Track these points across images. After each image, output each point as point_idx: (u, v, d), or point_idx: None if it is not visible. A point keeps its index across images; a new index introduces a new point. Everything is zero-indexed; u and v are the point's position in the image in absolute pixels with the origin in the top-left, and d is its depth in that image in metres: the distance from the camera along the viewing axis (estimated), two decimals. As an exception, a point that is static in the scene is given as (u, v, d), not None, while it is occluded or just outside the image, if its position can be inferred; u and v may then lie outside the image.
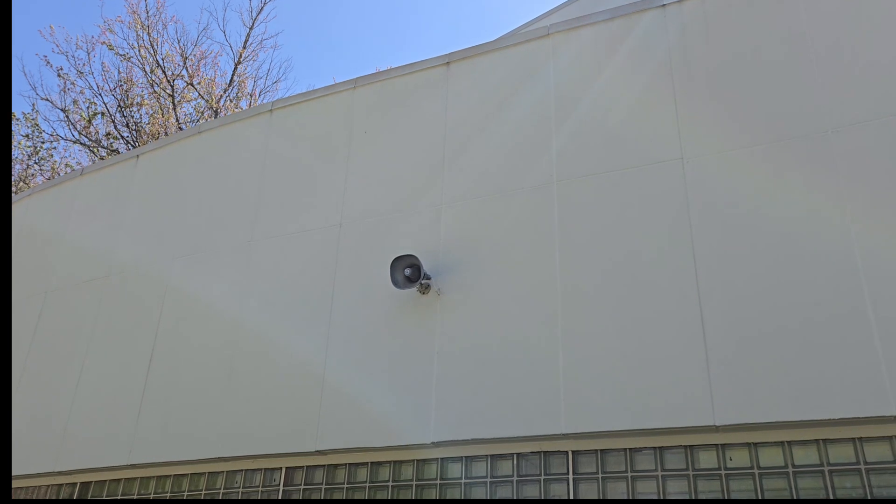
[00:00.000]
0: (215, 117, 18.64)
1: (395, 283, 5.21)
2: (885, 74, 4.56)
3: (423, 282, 5.25)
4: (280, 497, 5.53)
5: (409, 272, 5.25)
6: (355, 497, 5.25)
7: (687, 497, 4.26)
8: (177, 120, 19.16)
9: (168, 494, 6.08)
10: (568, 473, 4.62)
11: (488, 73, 6.05)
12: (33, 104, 22.28)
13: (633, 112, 5.27)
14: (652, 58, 5.36)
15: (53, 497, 6.75)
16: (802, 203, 4.45)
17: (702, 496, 4.23)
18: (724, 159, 4.80)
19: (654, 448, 4.46)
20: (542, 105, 5.61)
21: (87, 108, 19.12)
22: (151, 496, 6.16)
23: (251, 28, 20.02)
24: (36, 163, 19.29)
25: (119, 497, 6.33)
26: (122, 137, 19.08)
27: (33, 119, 19.23)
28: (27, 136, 19.14)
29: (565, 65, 5.70)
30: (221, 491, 5.83)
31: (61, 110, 19.06)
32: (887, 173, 4.30)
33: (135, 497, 6.25)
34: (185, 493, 5.99)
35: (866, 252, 4.16)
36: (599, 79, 5.49)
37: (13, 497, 6.99)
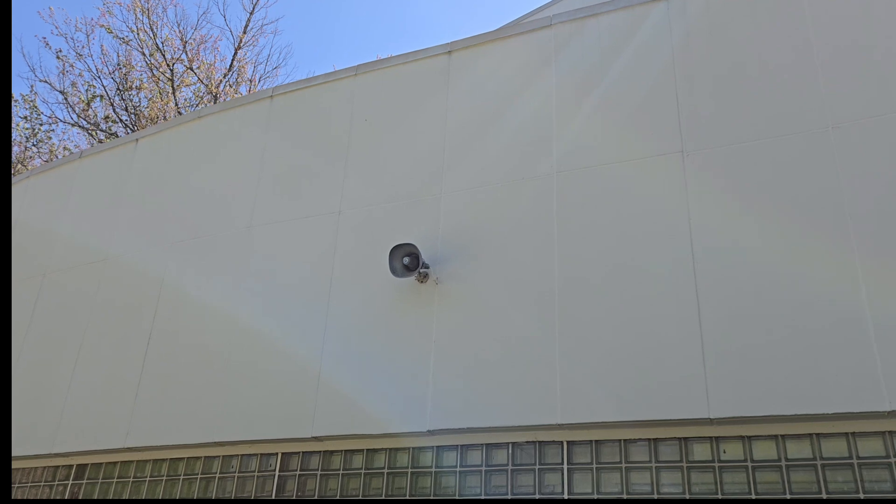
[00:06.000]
0: (215, 102, 18.58)
1: (393, 271, 5.21)
2: (886, 71, 4.56)
3: (421, 270, 5.26)
4: (275, 482, 5.55)
5: (407, 261, 5.25)
6: (350, 484, 5.28)
7: (680, 489, 4.29)
8: (176, 104, 19.10)
9: (164, 477, 6.10)
10: (563, 463, 4.65)
11: (490, 62, 6.04)
12: (32, 86, 22.24)
13: (633, 105, 5.26)
14: (654, 50, 5.35)
15: (49, 478, 6.78)
16: (801, 199, 4.46)
17: (695, 488, 4.26)
18: (724, 153, 4.81)
19: (649, 440, 4.49)
20: (544, 95, 5.61)
21: (86, 90, 19.07)
22: (147, 479, 6.19)
23: (251, 13, 19.97)
24: (34, 145, 19.25)
25: (115, 479, 6.35)
26: (121, 121, 19.03)
27: (32, 101, 19.18)
28: (25, 117, 19.10)
29: (567, 56, 5.69)
30: (217, 475, 5.85)
31: (60, 92, 19.02)
32: (887, 170, 4.31)
33: (131, 479, 6.27)
34: (182, 477, 6.02)
35: (864, 247, 4.18)
36: (600, 70, 5.48)
37: (13, 484, 7.01)
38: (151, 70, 19.29)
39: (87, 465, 6.59)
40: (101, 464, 6.51)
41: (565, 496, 4.55)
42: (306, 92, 6.89)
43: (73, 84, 19.06)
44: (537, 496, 4.63)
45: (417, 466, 5.09)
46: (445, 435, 4.96)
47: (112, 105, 19.10)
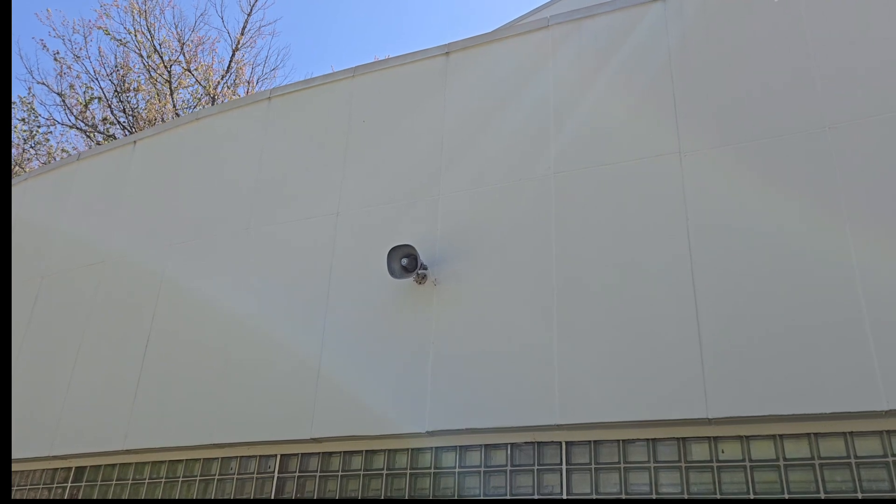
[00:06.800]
0: (212, 104, 18.58)
1: (391, 272, 5.22)
2: (883, 72, 4.57)
3: (419, 272, 5.26)
4: (274, 483, 5.56)
5: (405, 262, 5.25)
6: (349, 485, 5.28)
7: (679, 489, 4.30)
8: (174, 106, 19.09)
9: (163, 479, 6.10)
10: (561, 464, 4.66)
11: (488, 63, 6.04)
12: (29, 88, 22.22)
13: (631, 105, 5.27)
14: (651, 51, 5.36)
15: (48, 481, 6.77)
16: (798, 199, 4.47)
17: (694, 488, 4.27)
18: (721, 154, 4.82)
19: (647, 440, 4.49)
20: (541, 97, 5.62)
21: (84, 92, 19.05)
22: (146, 481, 6.19)
23: (249, 14, 19.95)
24: (32, 147, 19.22)
25: (113, 481, 6.35)
26: (119, 123, 19.01)
27: (29, 103, 19.16)
28: (23, 119, 19.07)
29: (565, 57, 5.69)
30: (216, 476, 5.85)
31: (57, 94, 19.00)
32: (884, 170, 4.32)
33: (130, 481, 6.27)
34: (180, 478, 6.02)
35: (861, 247, 4.19)
36: (598, 72, 5.49)
37: (12, 486, 7.00)
38: (149, 72, 19.29)
39: (85, 467, 6.59)
40: (100, 466, 6.50)
41: (564, 496, 4.55)
42: (304, 93, 6.90)
43: (71, 86, 19.07)
44: (536, 496, 4.63)
45: (416, 467, 5.10)
46: (444, 436, 4.96)
47: (110, 107, 19.09)
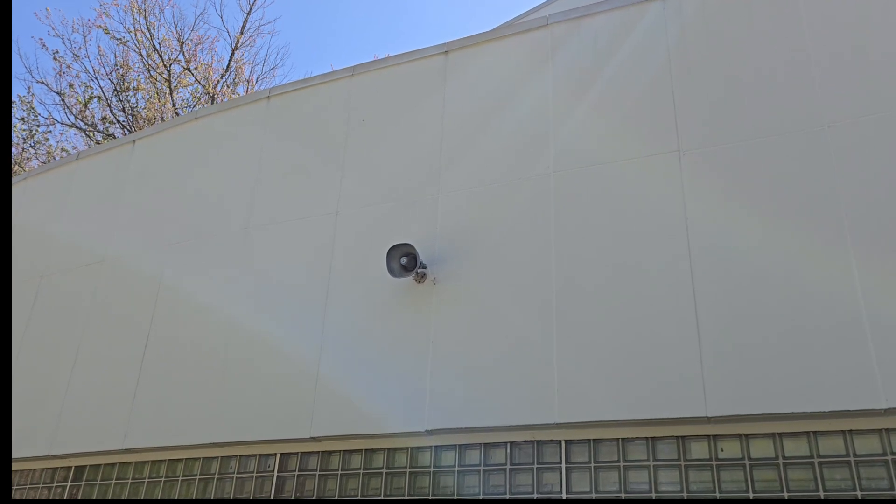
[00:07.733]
0: (212, 103, 18.56)
1: (390, 271, 5.22)
2: (882, 70, 4.57)
3: (419, 271, 5.26)
4: (274, 482, 5.56)
5: (405, 261, 5.25)
6: (349, 484, 5.28)
7: (678, 487, 4.30)
8: (173, 105, 19.09)
9: (162, 478, 6.10)
10: (560, 462, 4.66)
11: (487, 62, 6.04)
12: (29, 87, 22.16)
13: (630, 104, 5.27)
14: (650, 49, 5.36)
15: (48, 480, 6.78)
16: (797, 198, 4.47)
17: (693, 487, 4.27)
18: (721, 152, 4.81)
19: (647, 438, 4.49)
20: (540, 95, 5.61)
21: (83, 91, 19.04)
22: (145, 480, 6.19)
23: (249, 13, 19.96)
24: (31, 146, 19.22)
25: (113, 480, 6.35)
26: (119, 122, 19.00)
27: (29, 102, 19.15)
28: (23, 119, 19.07)
29: (564, 55, 5.69)
30: (216, 475, 5.86)
31: (57, 94, 19.01)
32: (883, 168, 4.32)
33: (129, 480, 6.27)
34: (180, 478, 6.02)
35: (860, 245, 4.19)
36: (597, 70, 5.49)
37: (12, 486, 7.00)
38: (148, 71, 19.29)
39: (85, 466, 6.59)
40: (100, 465, 6.50)
41: (563, 495, 4.55)
42: (303, 92, 6.89)
43: (71, 85, 19.07)
44: (535, 496, 4.63)
45: (416, 466, 5.10)
46: (443, 435, 4.96)
47: (109, 106, 19.08)
